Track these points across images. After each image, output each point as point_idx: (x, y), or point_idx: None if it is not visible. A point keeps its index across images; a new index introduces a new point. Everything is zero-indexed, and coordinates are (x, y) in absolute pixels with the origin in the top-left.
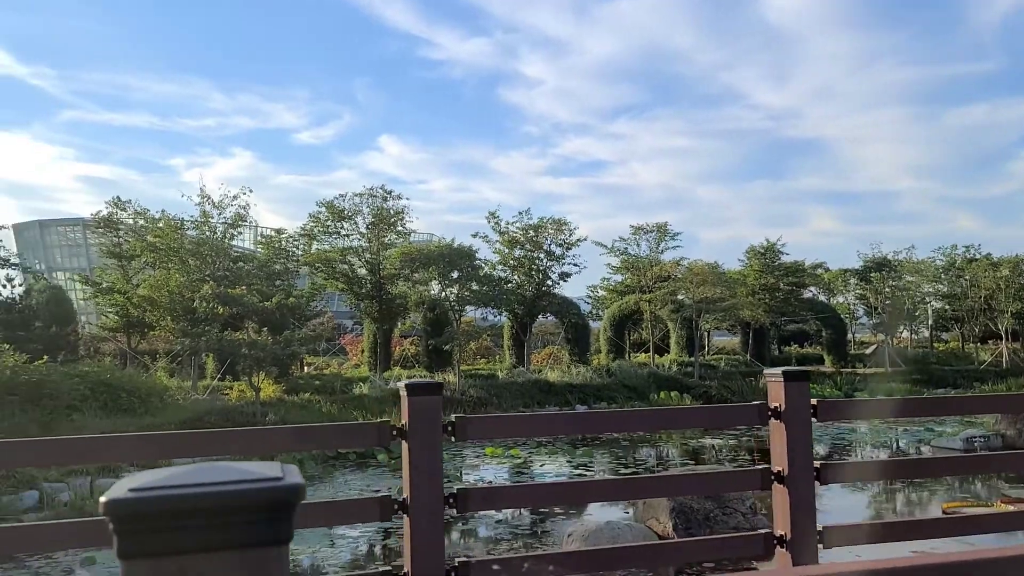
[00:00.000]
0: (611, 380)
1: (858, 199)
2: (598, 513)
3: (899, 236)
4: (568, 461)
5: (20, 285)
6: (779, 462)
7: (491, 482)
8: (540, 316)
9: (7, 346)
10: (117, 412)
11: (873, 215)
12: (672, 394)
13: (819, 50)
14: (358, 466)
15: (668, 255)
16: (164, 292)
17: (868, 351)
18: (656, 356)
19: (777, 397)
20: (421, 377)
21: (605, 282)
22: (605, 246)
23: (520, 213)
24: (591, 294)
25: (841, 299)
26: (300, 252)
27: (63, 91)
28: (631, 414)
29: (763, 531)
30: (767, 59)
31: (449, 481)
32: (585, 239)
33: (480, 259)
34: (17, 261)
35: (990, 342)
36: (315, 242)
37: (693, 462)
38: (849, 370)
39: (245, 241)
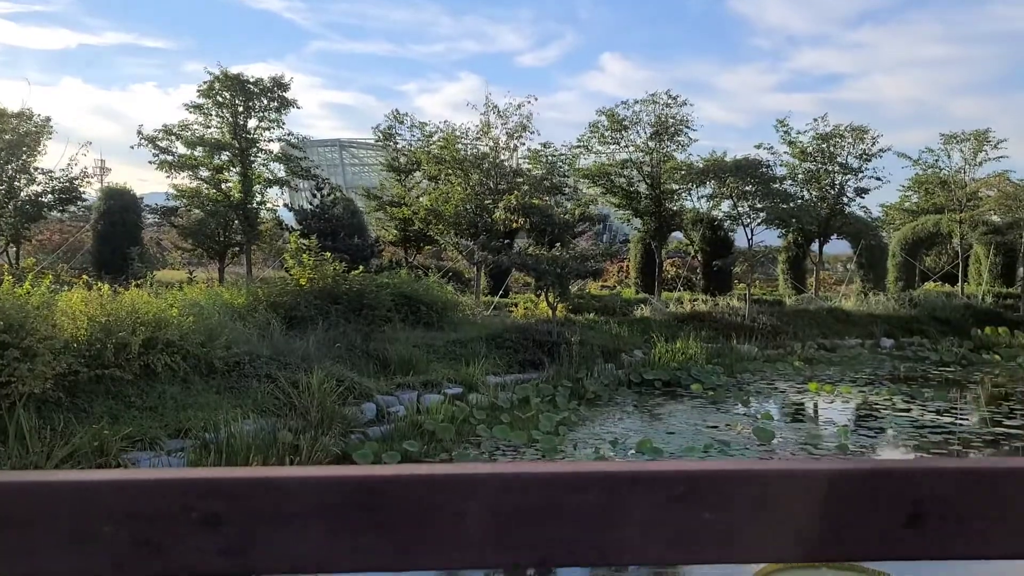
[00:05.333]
0: (917, 311)
1: None
2: None
3: None
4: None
5: (328, 195)
6: None
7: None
8: (833, 238)
9: (328, 255)
10: (418, 326)
11: None
12: (1000, 330)
13: None
14: (666, 395)
15: (986, 168)
16: (449, 205)
17: None
18: (948, 285)
19: None
20: (703, 301)
21: (905, 200)
22: (909, 158)
23: (815, 120)
24: (865, 214)
25: None
26: (567, 167)
27: (312, 23)
28: None
29: None
30: None
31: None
32: (888, 149)
33: (770, 173)
34: (317, 173)
35: None
36: (592, 155)
37: None
38: None
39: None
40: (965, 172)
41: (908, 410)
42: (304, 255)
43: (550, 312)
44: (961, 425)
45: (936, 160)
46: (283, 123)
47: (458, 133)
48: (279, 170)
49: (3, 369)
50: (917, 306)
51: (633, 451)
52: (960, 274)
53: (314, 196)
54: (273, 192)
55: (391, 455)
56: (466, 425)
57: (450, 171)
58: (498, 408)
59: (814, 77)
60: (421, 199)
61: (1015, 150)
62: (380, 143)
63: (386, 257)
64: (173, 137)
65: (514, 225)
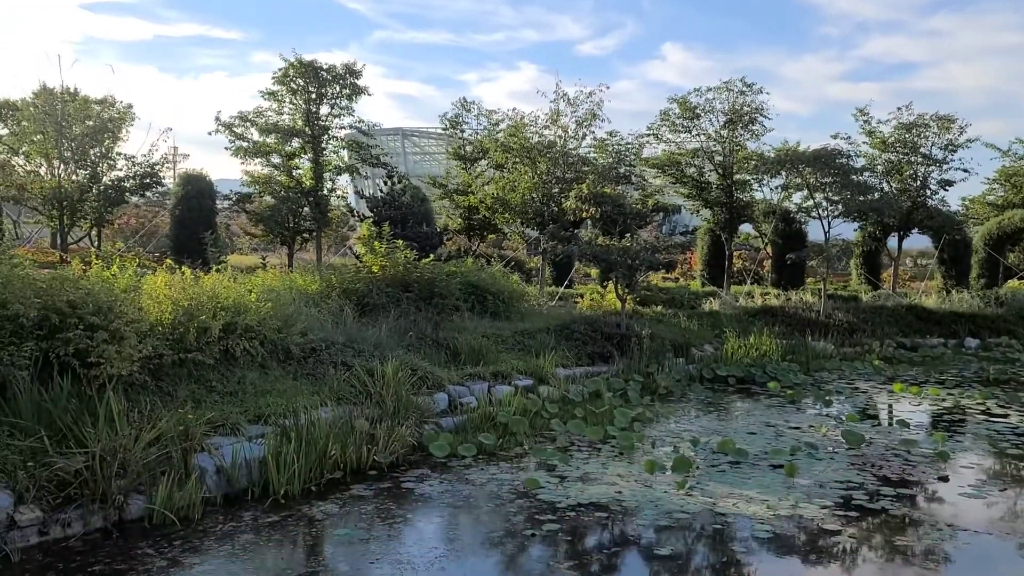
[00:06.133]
0: (1004, 310)
1: None
2: None
3: None
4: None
5: (399, 183)
6: None
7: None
8: (914, 232)
9: (400, 243)
10: (485, 315)
11: None
12: None
13: None
14: (740, 392)
15: None
16: (516, 194)
17: None
18: None
19: None
20: (775, 295)
21: (990, 193)
22: (999, 149)
23: (899, 109)
24: (939, 206)
25: None
26: (633, 156)
27: (375, 13)
28: None
29: None
30: None
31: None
32: (977, 140)
33: (849, 164)
34: (387, 161)
35: None
36: (661, 144)
37: None
38: None
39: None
40: None
41: (1006, 415)
42: (376, 243)
43: (618, 304)
44: None
45: None
46: (353, 110)
47: (526, 121)
48: (349, 157)
49: (93, 351)
50: (1004, 304)
51: (715, 451)
52: None
53: (385, 183)
54: (343, 179)
55: (467, 447)
56: (539, 419)
57: (517, 159)
58: (570, 401)
59: (884, 65)
60: (487, 187)
61: None
62: (446, 131)
63: (451, 246)
64: (248, 124)
65: (583, 215)
